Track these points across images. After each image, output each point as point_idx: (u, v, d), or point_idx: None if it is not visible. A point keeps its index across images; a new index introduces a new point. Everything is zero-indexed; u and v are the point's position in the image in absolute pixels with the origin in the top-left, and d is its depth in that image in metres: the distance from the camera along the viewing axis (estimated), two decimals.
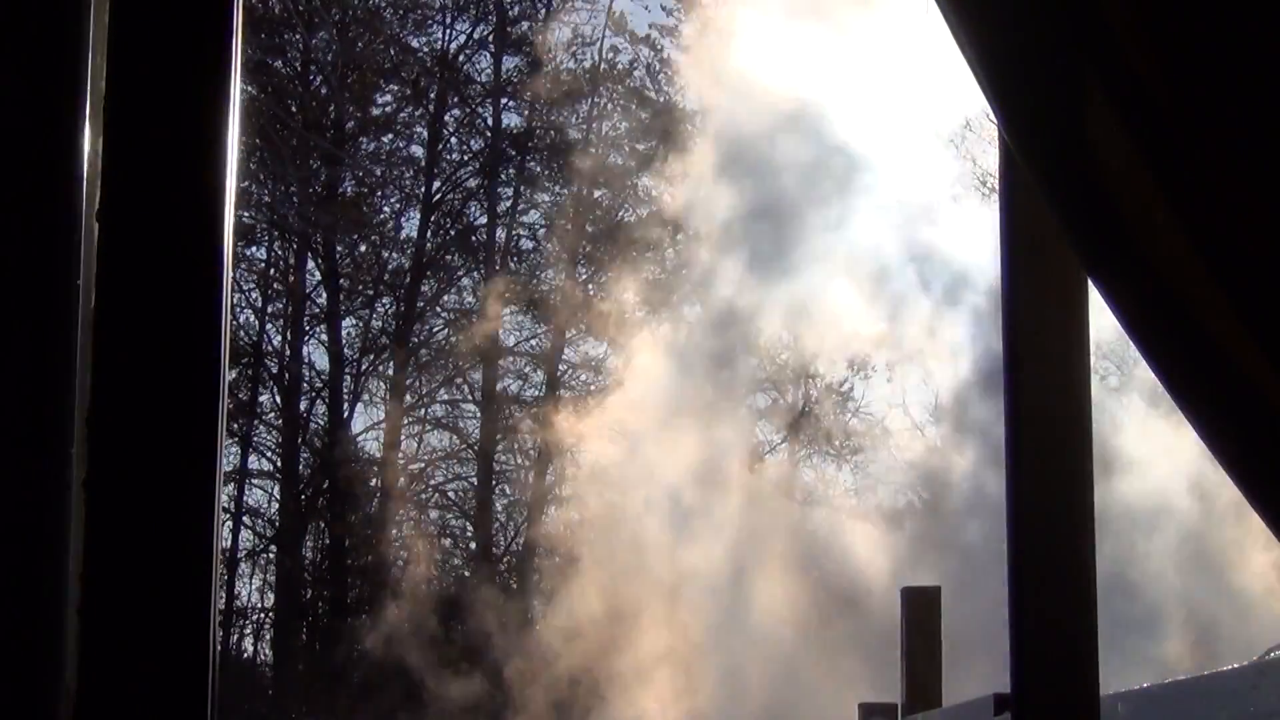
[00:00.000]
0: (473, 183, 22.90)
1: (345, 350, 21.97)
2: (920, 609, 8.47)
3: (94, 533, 1.44)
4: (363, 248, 22.63)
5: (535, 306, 21.61)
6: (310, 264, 22.40)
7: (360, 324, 22.52)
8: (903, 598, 8.73)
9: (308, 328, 22.17)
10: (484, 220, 22.65)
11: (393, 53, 22.59)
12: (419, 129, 22.92)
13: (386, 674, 18.37)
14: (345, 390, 21.87)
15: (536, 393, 21.83)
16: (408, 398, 21.97)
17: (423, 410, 22.43)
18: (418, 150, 22.88)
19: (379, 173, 22.71)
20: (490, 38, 22.60)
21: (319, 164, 22.17)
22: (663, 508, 14.73)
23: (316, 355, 22.24)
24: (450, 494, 22.46)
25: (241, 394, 21.55)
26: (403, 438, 21.97)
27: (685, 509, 14.49)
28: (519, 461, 22.14)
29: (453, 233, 22.81)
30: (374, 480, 21.58)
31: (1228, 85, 1.33)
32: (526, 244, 22.64)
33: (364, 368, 22.35)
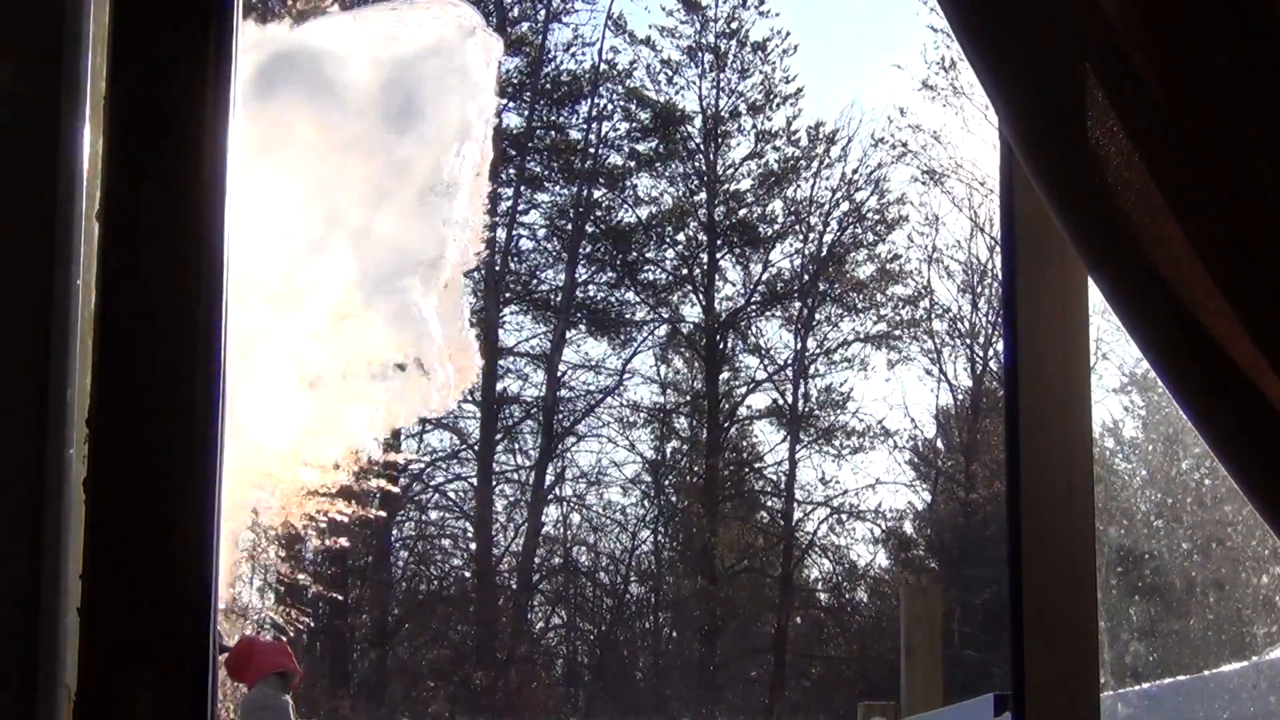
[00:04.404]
0: None
1: None
2: (920, 606, 8.45)
3: (94, 533, 1.43)
4: None
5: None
6: None
7: None
8: (903, 594, 8.72)
9: None
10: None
11: None
12: None
13: (386, 674, 18.37)
14: None
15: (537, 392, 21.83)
16: None
17: None
18: None
19: None
20: None
21: None
22: None
23: None
24: (450, 494, 22.46)
25: None
26: (404, 437, 21.93)
27: None
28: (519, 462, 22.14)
29: None
30: (374, 480, 21.54)
31: (1227, 85, 1.33)
32: (526, 244, 22.63)
33: None
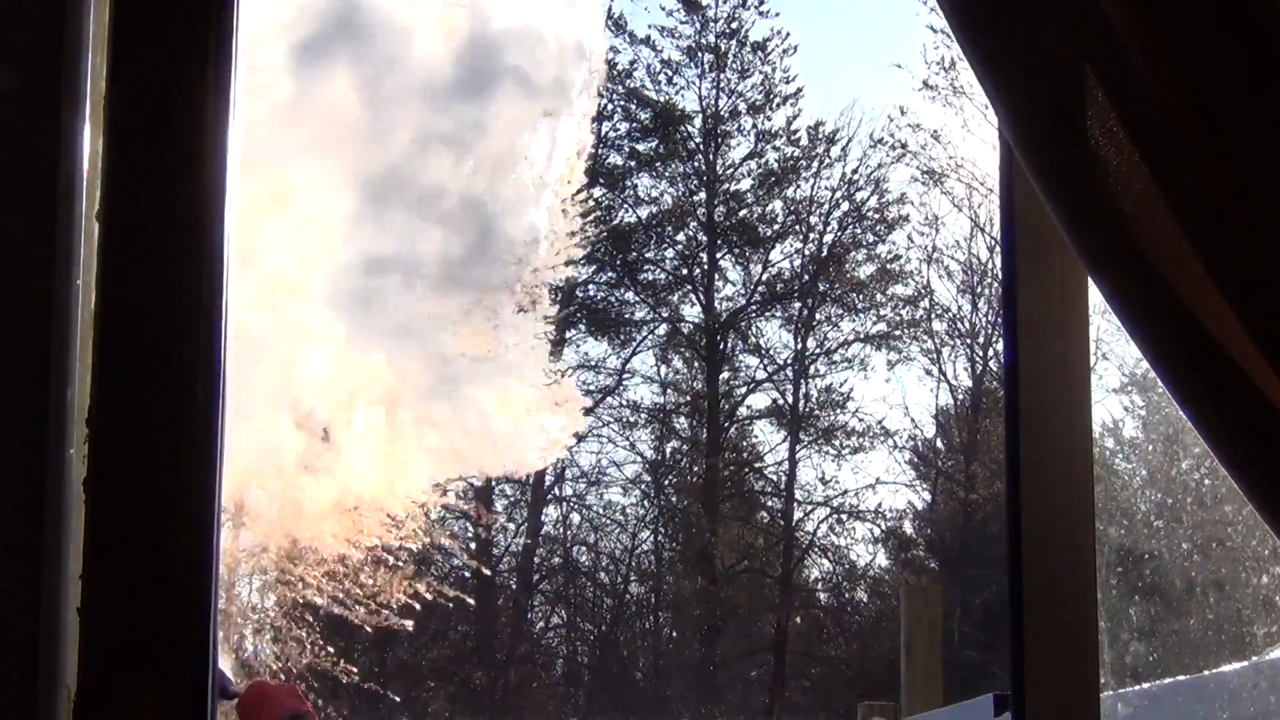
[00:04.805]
0: None
1: None
2: (920, 606, 8.45)
3: (94, 533, 1.43)
4: None
5: None
6: None
7: None
8: (903, 594, 8.72)
9: None
10: None
11: None
12: None
13: (386, 675, 18.35)
14: None
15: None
16: None
17: None
18: None
19: None
20: None
21: None
22: None
23: None
24: (450, 494, 22.43)
25: None
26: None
27: None
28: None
29: None
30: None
31: (1227, 85, 1.33)
32: None
33: None
